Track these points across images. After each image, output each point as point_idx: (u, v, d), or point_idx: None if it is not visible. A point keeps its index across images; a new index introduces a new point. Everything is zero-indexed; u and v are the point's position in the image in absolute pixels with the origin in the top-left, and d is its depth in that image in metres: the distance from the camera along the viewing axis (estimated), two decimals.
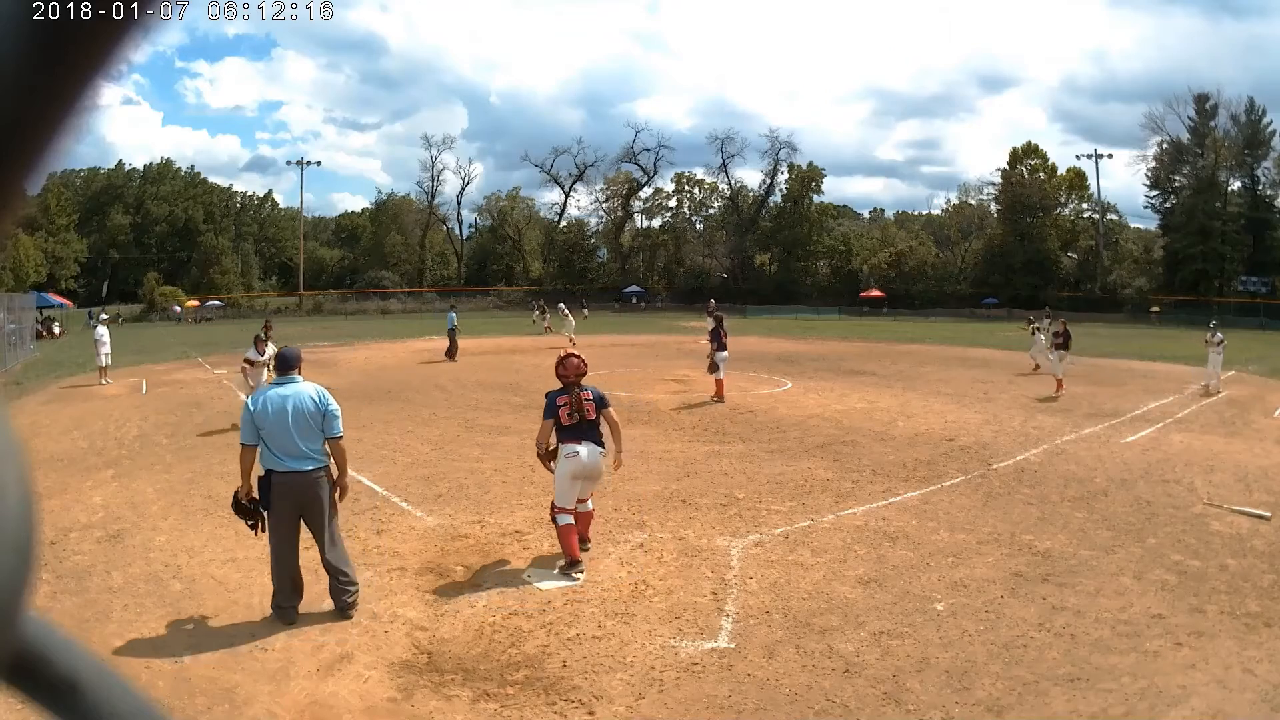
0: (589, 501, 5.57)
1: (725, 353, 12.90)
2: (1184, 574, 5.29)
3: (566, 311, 27.80)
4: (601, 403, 5.35)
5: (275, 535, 4.53)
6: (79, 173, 61.79)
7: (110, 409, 12.32)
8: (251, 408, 4.53)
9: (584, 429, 5.27)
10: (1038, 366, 13.86)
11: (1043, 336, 14.96)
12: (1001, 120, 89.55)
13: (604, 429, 5.38)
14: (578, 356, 5.47)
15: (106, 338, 15.69)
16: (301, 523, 4.55)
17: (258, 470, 4.57)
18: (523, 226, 64.72)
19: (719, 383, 12.88)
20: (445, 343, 20.14)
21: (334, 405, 4.65)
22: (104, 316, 17.14)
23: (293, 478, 4.46)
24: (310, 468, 4.50)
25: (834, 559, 5.54)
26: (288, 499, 4.47)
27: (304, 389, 4.59)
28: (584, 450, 5.24)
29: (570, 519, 5.23)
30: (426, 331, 30.78)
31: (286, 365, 4.71)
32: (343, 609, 4.54)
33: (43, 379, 16.81)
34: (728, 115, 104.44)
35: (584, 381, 5.42)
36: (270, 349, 10.25)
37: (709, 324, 13.42)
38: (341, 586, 4.55)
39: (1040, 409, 12.28)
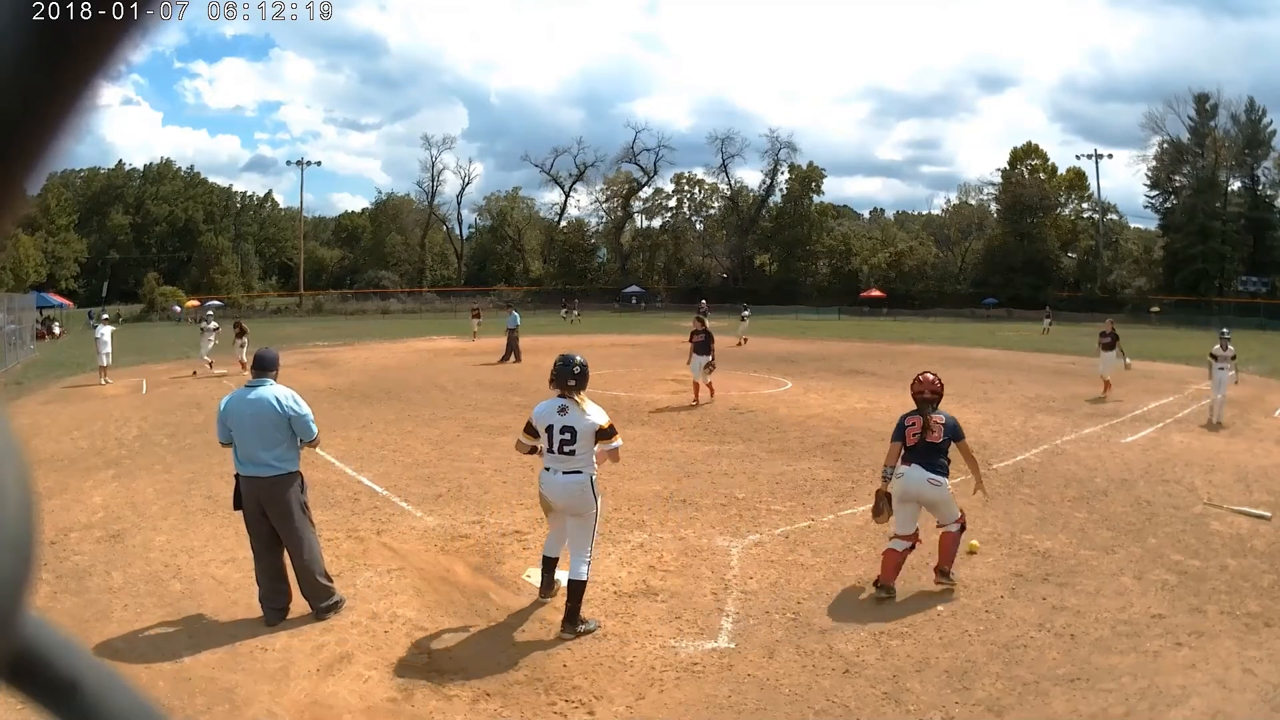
0: (952, 525, 4.96)
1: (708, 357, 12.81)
2: (1184, 574, 5.29)
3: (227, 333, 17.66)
4: (955, 432, 4.94)
5: (250, 537, 4.54)
6: (79, 173, 61.80)
7: (110, 409, 12.32)
8: (221, 406, 4.53)
9: (922, 452, 4.88)
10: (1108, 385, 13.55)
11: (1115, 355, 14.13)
12: (1001, 120, 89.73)
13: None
14: (933, 374, 5.24)
15: (108, 337, 15.68)
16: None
17: None
18: (523, 226, 64.69)
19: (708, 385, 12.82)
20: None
21: (302, 408, 4.45)
22: (105, 316, 17.11)
23: (252, 482, 4.43)
24: (267, 474, 4.40)
25: (834, 559, 5.54)
26: (251, 502, 4.45)
27: (268, 392, 4.44)
28: (911, 471, 4.88)
29: (897, 544, 4.90)
30: (426, 331, 30.80)
31: (261, 367, 4.61)
32: (316, 613, 4.50)
33: (43, 379, 16.80)
34: (727, 115, 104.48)
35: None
36: None
37: (696, 325, 13.10)
38: (312, 591, 4.50)
39: (1040, 409, 12.28)
